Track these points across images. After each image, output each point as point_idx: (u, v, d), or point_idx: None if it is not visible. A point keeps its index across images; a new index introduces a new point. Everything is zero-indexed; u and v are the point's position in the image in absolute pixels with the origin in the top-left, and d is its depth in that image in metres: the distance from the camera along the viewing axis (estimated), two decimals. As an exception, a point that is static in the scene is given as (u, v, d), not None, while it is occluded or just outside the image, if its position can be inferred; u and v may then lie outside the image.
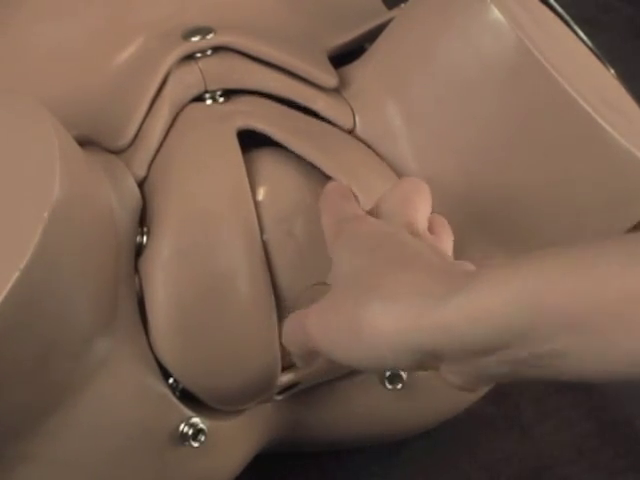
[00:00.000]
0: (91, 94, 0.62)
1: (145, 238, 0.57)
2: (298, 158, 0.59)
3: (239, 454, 0.63)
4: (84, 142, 0.58)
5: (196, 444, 0.58)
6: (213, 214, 0.57)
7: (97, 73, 0.63)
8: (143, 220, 0.58)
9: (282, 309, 0.58)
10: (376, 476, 0.72)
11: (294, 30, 0.66)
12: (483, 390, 0.68)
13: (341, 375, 0.64)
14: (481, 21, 0.58)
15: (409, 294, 0.45)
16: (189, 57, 0.62)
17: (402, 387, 0.64)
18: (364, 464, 0.72)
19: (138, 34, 0.64)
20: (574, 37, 0.68)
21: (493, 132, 0.59)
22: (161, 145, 0.59)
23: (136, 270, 0.57)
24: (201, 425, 0.58)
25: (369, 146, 0.62)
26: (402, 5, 0.67)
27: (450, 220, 0.56)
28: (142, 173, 0.59)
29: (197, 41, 0.62)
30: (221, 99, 0.62)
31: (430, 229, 0.54)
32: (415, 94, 0.61)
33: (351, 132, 0.62)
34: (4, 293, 0.47)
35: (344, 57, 0.66)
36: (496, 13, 0.58)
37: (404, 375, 0.64)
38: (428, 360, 0.45)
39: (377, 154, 0.62)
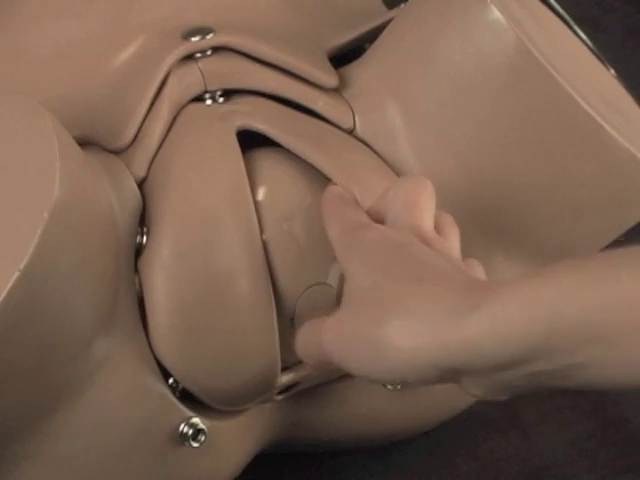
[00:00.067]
0: (91, 94, 0.62)
1: (145, 238, 0.57)
2: (298, 158, 0.59)
3: (239, 454, 0.63)
4: (84, 142, 0.58)
5: (196, 444, 0.58)
6: (213, 214, 0.57)
7: (97, 73, 0.63)
8: (143, 220, 0.58)
9: (282, 309, 0.58)
10: (376, 476, 0.72)
11: (294, 30, 0.66)
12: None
13: (341, 375, 0.64)
14: (481, 21, 0.58)
15: (429, 311, 0.46)
16: (189, 57, 0.62)
17: (402, 387, 0.64)
18: (364, 464, 0.72)
19: (138, 34, 0.64)
20: (574, 37, 0.68)
21: (493, 132, 0.59)
22: (161, 145, 0.59)
23: (136, 270, 0.57)
24: (201, 425, 0.58)
25: (369, 146, 0.62)
26: (402, 5, 0.67)
27: (450, 220, 0.56)
28: (142, 173, 0.59)
29: (197, 41, 0.62)
30: (221, 99, 0.62)
31: (437, 228, 0.54)
32: (415, 94, 0.61)
33: (351, 132, 0.62)
34: (4, 293, 0.47)
35: (344, 57, 0.66)
36: (496, 13, 0.58)
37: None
38: (450, 375, 0.46)
39: (377, 154, 0.62)
